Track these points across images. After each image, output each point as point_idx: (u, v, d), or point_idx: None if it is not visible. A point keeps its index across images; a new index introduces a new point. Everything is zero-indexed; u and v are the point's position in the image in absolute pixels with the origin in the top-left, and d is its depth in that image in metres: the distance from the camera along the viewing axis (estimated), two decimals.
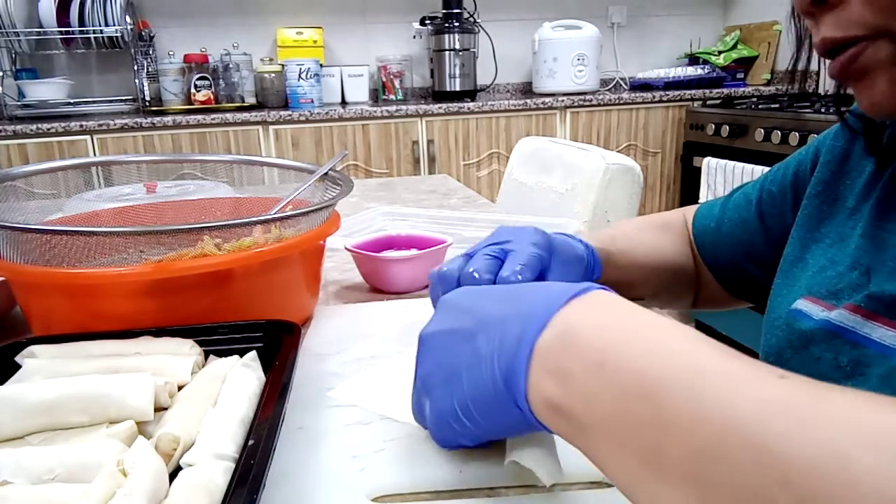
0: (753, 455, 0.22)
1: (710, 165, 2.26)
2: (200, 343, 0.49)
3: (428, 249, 0.72)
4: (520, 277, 0.44)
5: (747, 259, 0.60)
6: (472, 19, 2.65)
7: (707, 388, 0.25)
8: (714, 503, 0.23)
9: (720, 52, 2.89)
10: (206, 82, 2.48)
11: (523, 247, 0.46)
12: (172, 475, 0.34)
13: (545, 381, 0.30)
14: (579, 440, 0.29)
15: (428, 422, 0.38)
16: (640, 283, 0.62)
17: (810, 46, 0.44)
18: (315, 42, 2.60)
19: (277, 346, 0.48)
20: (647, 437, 0.26)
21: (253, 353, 0.47)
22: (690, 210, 0.67)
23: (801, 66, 0.46)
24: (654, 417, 0.25)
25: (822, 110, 2.00)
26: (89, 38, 2.38)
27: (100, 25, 2.36)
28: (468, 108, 2.43)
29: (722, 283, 0.63)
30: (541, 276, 0.47)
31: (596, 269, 0.54)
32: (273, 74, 2.59)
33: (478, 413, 0.34)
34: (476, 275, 0.45)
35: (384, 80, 2.73)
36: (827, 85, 2.62)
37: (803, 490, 0.20)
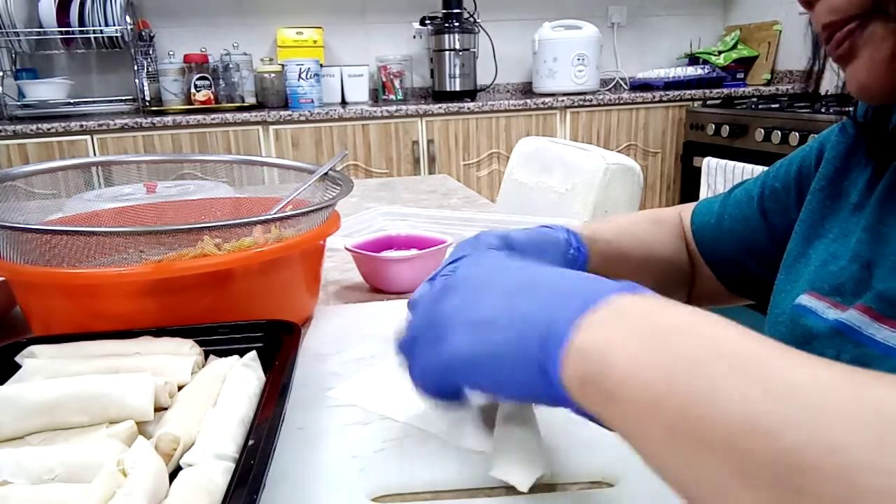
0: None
1: (710, 165, 2.26)
2: (200, 343, 0.49)
3: (428, 249, 0.72)
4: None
5: (749, 255, 0.59)
6: (472, 19, 2.65)
7: (758, 362, 0.25)
8: (752, 471, 0.22)
9: (720, 52, 2.89)
10: (206, 82, 2.48)
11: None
12: (172, 475, 0.34)
13: (588, 345, 0.29)
14: (609, 408, 0.28)
15: (425, 360, 0.36)
16: (627, 275, 0.61)
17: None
18: (315, 42, 2.60)
19: (277, 346, 0.48)
20: (688, 409, 0.25)
21: (253, 353, 0.47)
22: (687, 207, 0.66)
23: (816, 68, 0.47)
24: (700, 391, 0.25)
25: (823, 110, 2.00)
26: (89, 38, 2.38)
27: (100, 25, 2.37)
28: (468, 108, 2.43)
29: (721, 280, 0.63)
30: None
31: (581, 249, 0.53)
32: (273, 74, 2.59)
33: (493, 365, 0.32)
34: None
35: (384, 80, 2.73)
36: (828, 85, 2.62)
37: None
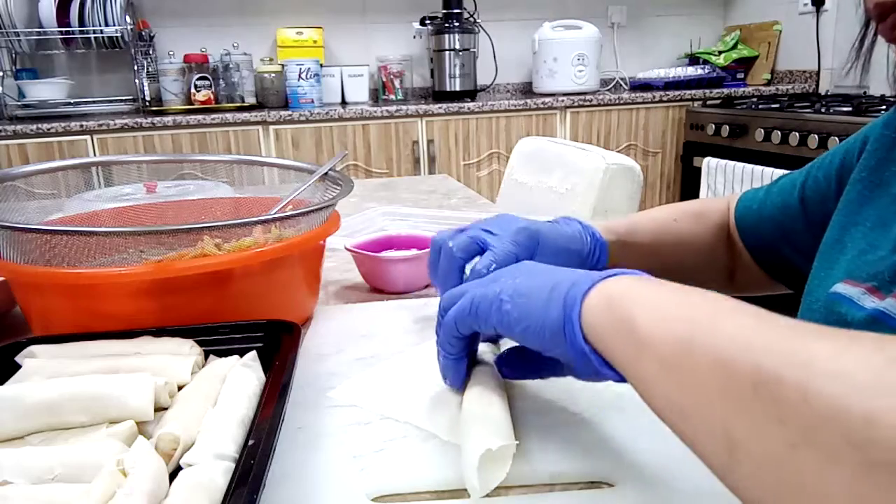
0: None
1: (710, 165, 2.26)
2: (200, 343, 0.49)
3: (428, 249, 0.72)
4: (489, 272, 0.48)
5: (785, 243, 0.60)
6: (472, 19, 2.65)
7: (758, 312, 0.29)
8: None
9: (720, 52, 2.89)
10: (206, 82, 2.48)
11: (503, 244, 0.51)
12: (172, 475, 0.34)
13: (612, 284, 0.36)
14: (629, 344, 0.33)
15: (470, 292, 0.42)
16: (663, 272, 0.62)
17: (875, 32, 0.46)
18: (315, 42, 2.60)
19: (277, 346, 0.48)
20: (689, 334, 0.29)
21: (253, 353, 0.47)
22: (735, 196, 0.68)
23: (864, 46, 0.48)
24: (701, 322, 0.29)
25: (823, 110, 2.00)
26: (89, 38, 2.38)
27: (100, 25, 2.36)
28: (468, 108, 2.43)
29: (761, 266, 0.64)
30: None
31: (602, 258, 0.57)
32: (273, 74, 2.59)
33: (527, 298, 0.39)
34: (454, 250, 0.52)
35: (384, 80, 2.73)
36: (828, 85, 2.62)
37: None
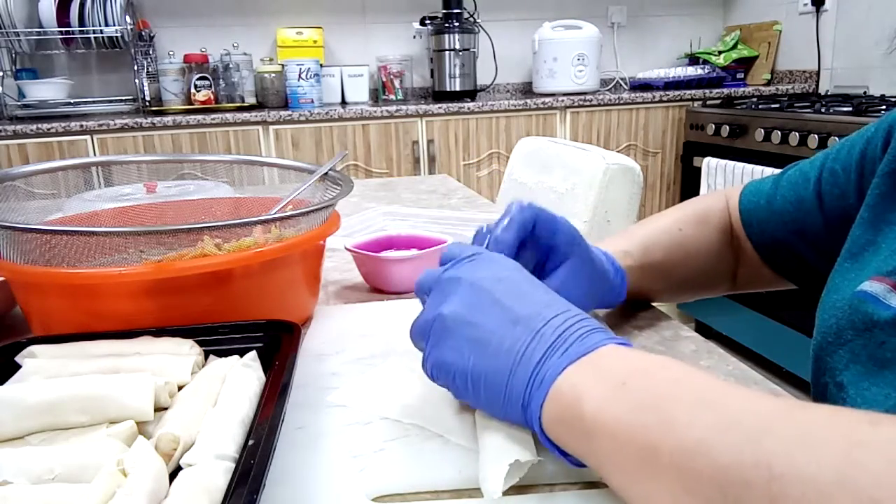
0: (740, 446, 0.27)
1: (710, 165, 2.26)
2: (200, 343, 0.49)
3: (428, 249, 0.72)
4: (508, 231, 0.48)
5: (799, 238, 0.58)
6: (472, 19, 2.65)
7: (714, 399, 0.30)
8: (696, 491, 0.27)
9: (720, 52, 2.89)
10: (206, 82, 2.48)
11: (545, 212, 0.50)
12: (172, 475, 0.34)
13: (566, 388, 0.35)
14: (583, 443, 0.34)
15: (431, 356, 0.41)
16: (670, 288, 0.63)
17: None
18: (315, 42, 2.60)
19: (277, 346, 0.48)
20: (647, 438, 0.30)
21: (253, 353, 0.47)
22: (734, 191, 0.65)
23: None
24: (658, 423, 0.30)
25: (823, 110, 2.00)
26: (89, 38, 2.38)
27: (100, 25, 2.36)
28: (468, 108, 2.43)
29: (767, 262, 0.61)
30: (553, 266, 0.52)
31: (622, 293, 0.56)
32: (273, 74, 2.59)
33: (484, 389, 0.38)
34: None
35: (384, 80, 2.73)
36: (828, 85, 2.62)
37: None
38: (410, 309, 0.66)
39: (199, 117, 2.26)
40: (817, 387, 0.49)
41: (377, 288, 0.74)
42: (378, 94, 2.77)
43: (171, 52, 2.59)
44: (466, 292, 0.40)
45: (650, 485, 0.30)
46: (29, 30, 2.36)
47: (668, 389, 0.32)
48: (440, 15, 2.60)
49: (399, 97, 2.73)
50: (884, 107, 1.96)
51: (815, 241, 0.56)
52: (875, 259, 0.47)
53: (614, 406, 0.32)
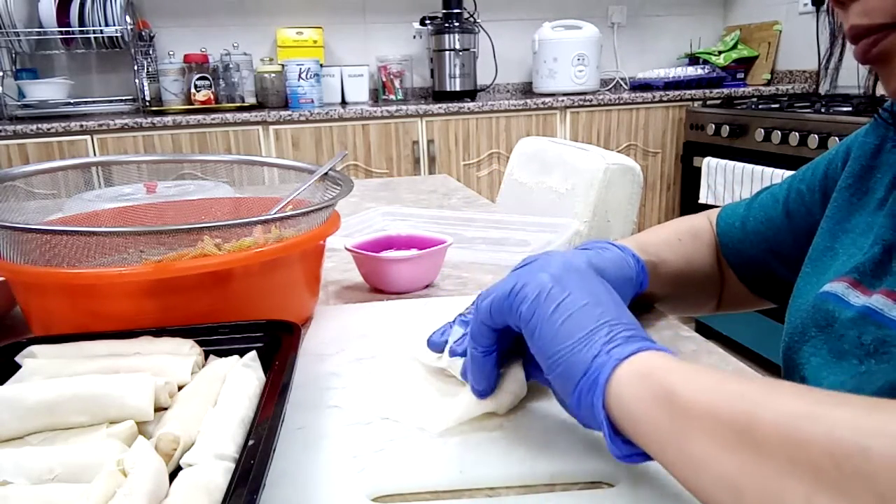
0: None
1: (710, 165, 2.26)
2: (200, 343, 0.49)
3: (428, 249, 0.72)
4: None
5: (772, 256, 0.61)
6: (472, 19, 2.65)
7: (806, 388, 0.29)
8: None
9: (720, 52, 2.89)
10: (206, 82, 2.48)
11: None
12: (172, 475, 0.34)
13: (647, 356, 0.35)
14: (660, 409, 0.32)
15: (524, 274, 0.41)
16: (671, 295, 0.63)
17: (843, 42, 0.46)
18: (315, 42, 2.60)
19: (277, 346, 0.48)
20: (744, 406, 0.28)
21: (253, 354, 0.47)
22: (714, 213, 0.68)
23: (831, 65, 0.48)
24: (758, 392, 0.29)
25: (822, 110, 2.00)
26: (89, 38, 2.38)
27: (100, 25, 2.36)
28: (468, 108, 2.43)
29: (745, 282, 0.64)
30: None
31: (644, 281, 0.56)
32: (273, 74, 2.59)
33: (565, 322, 0.37)
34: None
35: (384, 80, 2.73)
36: (827, 85, 2.62)
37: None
38: (410, 309, 0.66)
39: (199, 117, 2.26)
40: None
41: (377, 288, 0.74)
42: (378, 94, 2.77)
43: (171, 52, 2.59)
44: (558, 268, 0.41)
45: (743, 456, 0.27)
46: (29, 30, 2.36)
47: (757, 380, 0.31)
48: (440, 15, 2.60)
49: (399, 97, 2.73)
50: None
51: (788, 258, 0.59)
52: (834, 263, 0.50)
53: (704, 376, 0.31)
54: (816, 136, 1.87)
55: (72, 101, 2.48)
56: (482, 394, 0.44)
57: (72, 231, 0.52)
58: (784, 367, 0.52)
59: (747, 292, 0.65)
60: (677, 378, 0.32)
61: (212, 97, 2.49)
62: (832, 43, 0.48)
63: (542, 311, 0.38)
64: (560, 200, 1.27)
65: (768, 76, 2.85)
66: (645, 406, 0.32)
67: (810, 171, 0.59)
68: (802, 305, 0.51)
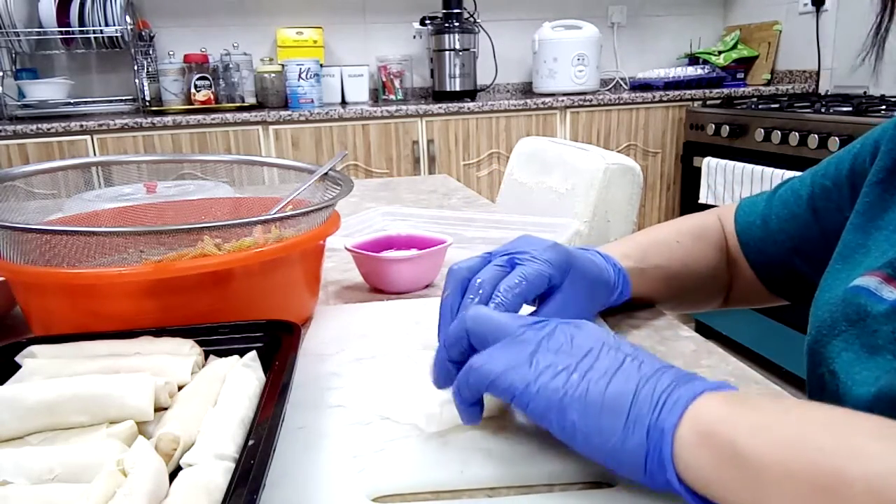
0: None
1: (710, 165, 2.26)
2: (200, 343, 0.49)
3: (428, 249, 0.72)
4: (516, 291, 0.45)
5: (796, 255, 0.59)
6: (472, 19, 2.65)
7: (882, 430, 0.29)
8: None
9: (720, 52, 2.89)
10: (206, 82, 2.48)
11: (532, 264, 0.47)
12: (172, 475, 0.34)
13: (706, 411, 0.32)
14: (732, 472, 0.30)
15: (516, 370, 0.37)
16: (668, 296, 0.63)
17: (892, 8, 0.46)
18: (315, 42, 2.60)
19: (277, 346, 0.48)
20: (829, 464, 0.28)
21: (253, 354, 0.47)
22: (727, 210, 0.66)
23: (881, 33, 0.48)
24: (839, 447, 0.28)
25: (823, 110, 2.00)
26: (89, 38, 2.38)
27: (100, 25, 2.36)
28: (468, 108, 2.43)
29: (764, 281, 0.63)
30: (547, 293, 0.48)
31: (625, 290, 0.56)
32: (273, 74, 2.59)
33: (600, 414, 0.34)
34: (480, 285, 0.46)
35: (384, 80, 2.73)
36: (827, 85, 2.62)
37: None
38: (410, 309, 0.66)
39: (199, 117, 2.26)
40: (812, 379, 0.51)
41: (377, 288, 0.74)
42: (378, 94, 2.77)
43: (171, 52, 2.59)
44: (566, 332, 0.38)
45: None
46: (29, 30, 2.36)
47: (827, 418, 0.29)
48: (440, 15, 2.60)
49: (399, 97, 2.73)
50: (884, 107, 1.96)
51: (813, 256, 0.58)
52: (865, 259, 0.49)
53: (774, 430, 0.29)
54: (816, 136, 1.87)
55: (72, 101, 2.48)
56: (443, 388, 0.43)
57: (72, 231, 0.52)
58: (809, 362, 0.51)
59: (762, 290, 0.63)
60: (742, 433, 0.30)
61: (212, 97, 2.49)
62: (882, 12, 0.47)
63: (574, 418, 0.35)
64: (560, 200, 1.27)
65: (768, 76, 2.85)
66: (715, 473, 0.31)
67: (833, 167, 0.57)
68: (831, 300, 0.49)
